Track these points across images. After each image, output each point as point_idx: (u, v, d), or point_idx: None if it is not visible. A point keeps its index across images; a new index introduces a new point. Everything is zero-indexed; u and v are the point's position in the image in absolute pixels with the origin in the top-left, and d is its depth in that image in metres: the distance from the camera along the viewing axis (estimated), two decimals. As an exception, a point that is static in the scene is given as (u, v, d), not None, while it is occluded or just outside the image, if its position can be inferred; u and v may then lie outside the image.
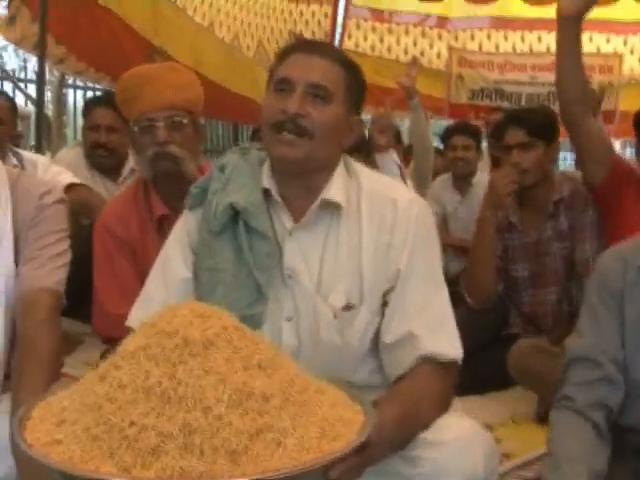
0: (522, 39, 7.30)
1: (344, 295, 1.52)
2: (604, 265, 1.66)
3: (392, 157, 3.68)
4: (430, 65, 7.36)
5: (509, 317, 2.92)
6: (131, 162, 3.51)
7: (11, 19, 4.65)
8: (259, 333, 1.27)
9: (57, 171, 3.17)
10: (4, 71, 7.88)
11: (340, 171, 1.60)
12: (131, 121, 2.29)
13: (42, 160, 3.21)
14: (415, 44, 7.46)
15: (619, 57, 7.13)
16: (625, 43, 7.18)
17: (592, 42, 6.90)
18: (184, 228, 1.67)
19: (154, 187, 2.29)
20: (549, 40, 6.79)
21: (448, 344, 1.49)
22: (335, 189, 1.56)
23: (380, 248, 1.53)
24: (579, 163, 2.78)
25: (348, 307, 1.52)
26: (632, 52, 7.21)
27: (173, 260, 1.65)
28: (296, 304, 1.55)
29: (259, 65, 6.04)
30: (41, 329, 1.68)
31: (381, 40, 7.49)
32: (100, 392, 1.08)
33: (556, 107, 6.91)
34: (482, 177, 4.23)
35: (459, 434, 1.40)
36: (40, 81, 4.51)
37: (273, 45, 6.51)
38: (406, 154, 4.46)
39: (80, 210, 3.11)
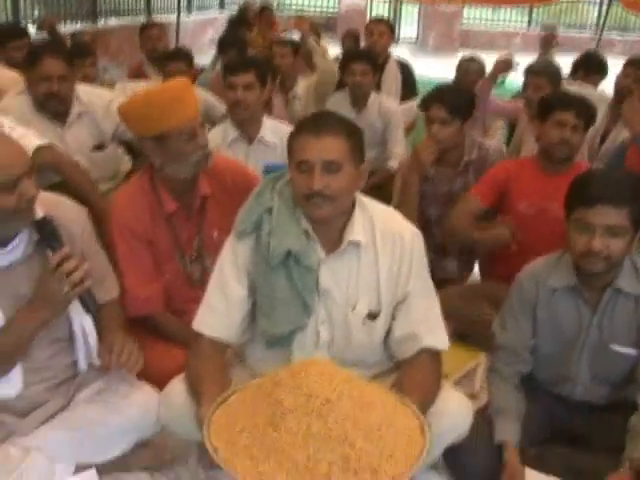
0: None
1: (367, 307, 2.18)
2: (522, 282, 2.42)
3: None
4: None
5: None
6: (77, 107, 3.73)
7: None
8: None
9: (22, 134, 3.24)
10: None
11: (357, 212, 2.17)
12: (156, 134, 2.54)
13: (6, 122, 3.27)
14: None
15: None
16: None
17: None
18: (237, 254, 2.20)
19: (164, 185, 2.64)
20: None
21: (440, 339, 2.20)
22: (356, 230, 2.15)
23: (392, 273, 2.17)
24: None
25: (371, 315, 2.18)
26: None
27: (230, 280, 2.19)
28: (328, 311, 2.18)
29: None
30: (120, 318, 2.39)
31: None
32: (276, 436, 1.69)
33: None
34: (376, 98, 4.88)
35: (453, 405, 2.14)
36: None
37: None
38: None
39: (49, 169, 3.38)
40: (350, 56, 4.88)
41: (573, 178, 2.33)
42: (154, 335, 2.63)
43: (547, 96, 3.45)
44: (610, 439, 2.26)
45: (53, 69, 3.56)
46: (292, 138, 2.11)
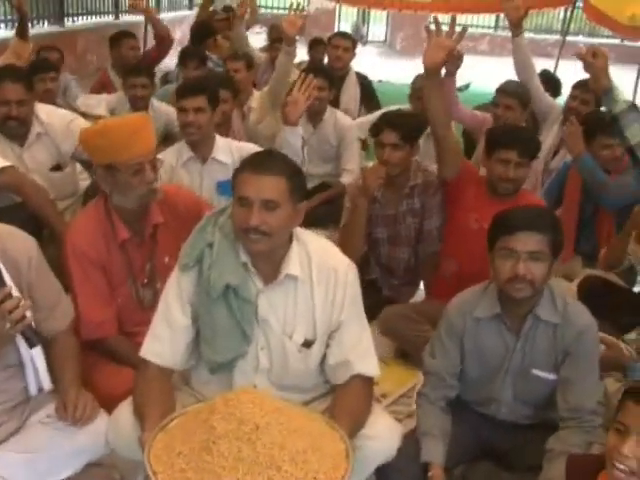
0: None
1: (303, 335, 2.33)
2: (450, 313, 2.59)
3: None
4: None
5: (369, 266, 3.82)
6: (37, 127, 3.86)
7: None
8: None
9: None
10: None
11: (295, 246, 2.31)
12: (109, 163, 2.68)
13: None
14: None
15: None
16: None
17: None
18: (180, 286, 2.33)
19: (116, 213, 2.77)
20: None
21: (371, 366, 2.35)
22: (293, 264, 2.29)
23: (327, 304, 2.32)
24: (437, 162, 3.56)
25: (307, 343, 2.33)
26: None
27: (174, 311, 2.32)
28: (267, 339, 2.32)
29: None
30: (73, 359, 2.46)
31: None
32: (209, 460, 1.84)
33: None
34: (332, 113, 5.02)
35: (382, 428, 2.29)
36: None
37: None
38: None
39: (10, 190, 3.53)
40: (309, 71, 4.98)
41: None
42: (105, 356, 2.76)
43: (493, 131, 3.59)
44: (533, 458, 2.43)
45: (12, 94, 3.71)
46: (236, 173, 2.25)
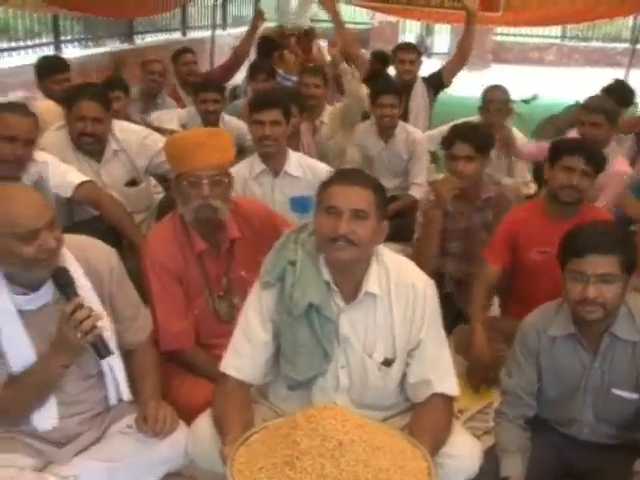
0: None
1: (382, 354, 2.32)
2: (524, 332, 2.53)
3: None
4: None
5: (443, 280, 3.78)
6: (113, 144, 3.96)
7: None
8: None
9: (65, 170, 3.55)
10: None
11: (374, 263, 2.31)
12: (177, 173, 2.80)
13: (50, 159, 3.52)
14: None
15: None
16: None
17: None
18: (261, 303, 2.35)
19: (192, 226, 2.81)
20: None
21: (452, 385, 2.34)
22: (372, 282, 2.29)
23: (406, 321, 2.31)
24: None
25: (386, 362, 2.32)
26: None
27: (255, 327, 2.34)
28: (347, 358, 2.32)
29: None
30: (153, 371, 2.51)
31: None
32: (292, 475, 1.84)
33: None
34: (402, 127, 5.04)
35: (463, 447, 2.27)
36: None
37: None
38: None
39: (89, 205, 3.64)
40: (379, 88, 5.02)
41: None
42: (183, 368, 2.79)
43: (557, 141, 3.52)
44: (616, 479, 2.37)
45: (89, 111, 3.81)
46: (323, 186, 2.27)
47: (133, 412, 2.42)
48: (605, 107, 4.38)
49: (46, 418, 2.30)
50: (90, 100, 3.81)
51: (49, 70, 5.02)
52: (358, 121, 5.24)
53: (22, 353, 2.24)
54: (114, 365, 2.35)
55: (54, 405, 2.30)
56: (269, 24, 14.75)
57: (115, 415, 2.43)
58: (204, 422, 2.31)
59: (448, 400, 2.33)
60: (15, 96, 6.54)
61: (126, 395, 2.39)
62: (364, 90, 5.98)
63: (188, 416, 2.42)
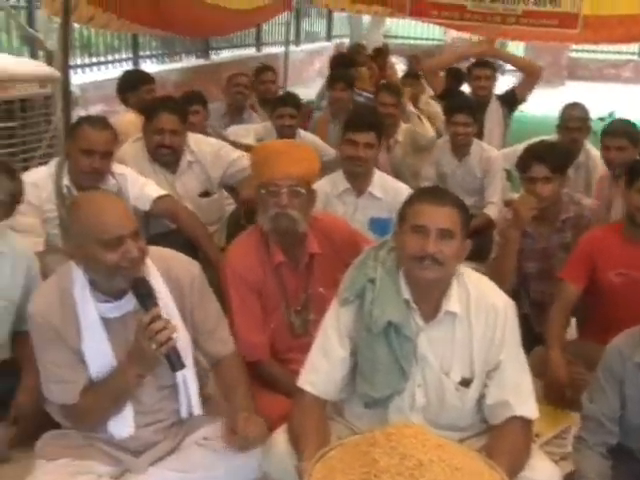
0: None
1: (460, 374, 2.29)
2: (608, 357, 2.45)
3: None
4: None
5: (520, 301, 3.71)
6: (188, 156, 4.03)
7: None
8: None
9: (143, 183, 3.63)
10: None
11: (454, 282, 2.29)
12: (258, 182, 2.83)
13: (128, 172, 3.62)
14: None
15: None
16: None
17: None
18: (340, 319, 2.34)
19: (272, 238, 2.83)
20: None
21: (531, 408, 2.28)
22: (453, 301, 2.27)
23: (485, 341, 2.28)
24: None
25: (464, 382, 2.29)
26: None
27: (333, 343, 2.34)
28: (424, 377, 2.29)
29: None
30: (242, 383, 2.50)
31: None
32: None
33: (519, 7, 7.18)
34: (477, 145, 4.99)
35: (542, 473, 2.21)
36: (65, 53, 4.46)
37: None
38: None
39: (167, 218, 3.71)
40: (454, 106, 4.99)
41: None
42: (259, 381, 2.79)
43: (633, 162, 3.42)
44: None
45: (167, 124, 3.90)
46: (409, 204, 2.27)
47: (209, 423, 2.44)
48: (627, 130, 4.33)
49: (123, 426, 2.33)
50: (169, 113, 3.89)
51: (135, 82, 5.20)
52: (430, 147, 5.23)
53: (102, 360, 2.28)
54: (187, 379, 2.36)
55: (131, 414, 2.33)
56: (342, 40, 14.95)
57: (191, 426, 2.45)
58: (280, 437, 2.31)
59: (527, 423, 2.27)
60: (95, 110, 6.75)
61: (197, 410, 2.40)
62: (437, 107, 5.97)
63: (264, 430, 2.42)
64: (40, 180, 3.40)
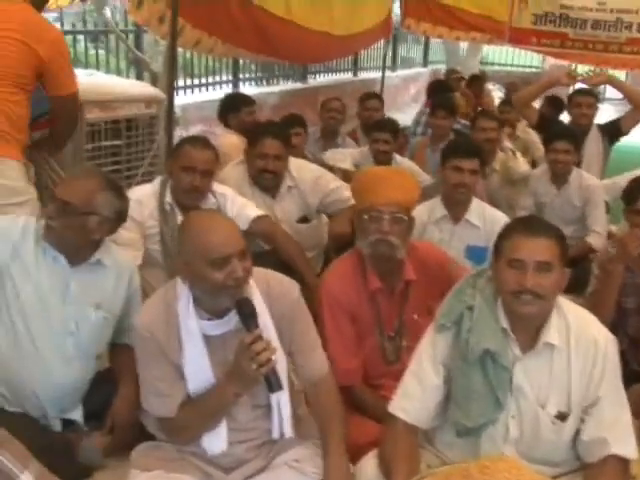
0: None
1: (556, 407, 2.24)
2: None
3: None
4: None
5: (617, 337, 3.59)
6: (288, 181, 4.08)
7: (139, 1, 4.61)
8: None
9: (243, 203, 3.69)
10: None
11: (554, 313, 2.25)
12: (360, 207, 2.87)
13: (229, 192, 3.69)
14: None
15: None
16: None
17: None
18: (435, 346, 2.33)
19: (370, 263, 2.85)
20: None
21: (630, 448, 2.21)
22: (552, 332, 2.23)
23: (585, 376, 2.23)
24: None
25: (560, 416, 2.24)
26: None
27: (427, 370, 2.33)
28: (519, 408, 2.25)
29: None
30: (337, 406, 2.47)
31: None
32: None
33: (623, 34, 7.11)
34: (577, 173, 4.88)
35: None
36: (171, 75, 4.56)
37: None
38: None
39: (263, 239, 3.76)
40: (554, 134, 4.92)
41: None
42: (350, 407, 2.79)
43: None
44: None
45: (271, 149, 3.95)
46: (504, 236, 2.25)
47: (301, 445, 2.45)
48: None
49: (216, 442, 2.37)
50: (273, 138, 3.95)
51: (237, 104, 5.35)
52: (524, 181, 5.16)
53: (201, 376, 2.33)
54: (281, 401, 2.38)
55: (224, 430, 2.36)
56: (438, 67, 14.92)
57: (282, 446, 2.46)
58: (370, 463, 2.31)
59: (624, 463, 2.21)
60: (195, 130, 6.92)
61: (289, 432, 2.40)
62: (534, 137, 5.88)
63: (353, 455, 2.42)
64: (144, 197, 3.51)
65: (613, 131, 5.95)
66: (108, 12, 6.43)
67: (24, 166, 3.36)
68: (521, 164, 5.46)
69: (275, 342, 2.32)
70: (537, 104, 6.46)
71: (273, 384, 2.23)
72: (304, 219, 4.18)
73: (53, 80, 3.36)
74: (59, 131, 3.59)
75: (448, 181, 3.76)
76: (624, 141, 6.25)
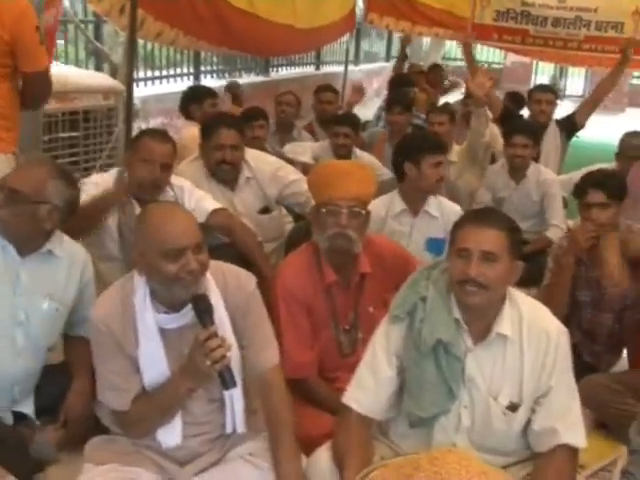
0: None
1: (508, 398, 2.27)
2: None
3: None
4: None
5: (569, 329, 3.65)
6: (246, 172, 4.06)
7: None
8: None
9: (201, 196, 3.66)
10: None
11: (507, 305, 2.28)
12: (317, 201, 2.87)
13: (187, 185, 3.66)
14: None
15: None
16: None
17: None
18: (389, 337, 2.35)
19: (325, 256, 2.86)
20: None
21: (579, 437, 2.25)
22: (505, 323, 2.25)
23: (536, 367, 2.25)
24: None
25: (512, 407, 2.27)
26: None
27: (380, 362, 2.34)
28: (471, 398, 2.28)
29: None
30: (284, 404, 2.42)
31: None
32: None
33: (581, 32, 7.17)
34: (534, 168, 4.95)
35: None
36: (130, 66, 4.56)
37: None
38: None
39: (221, 231, 3.72)
40: (513, 128, 4.98)
41: None
42: (303, 399, 2.80)
43: None
44: None
45: (227, 139, 3.93)
46: (456, 227, 2.28)
47: (254, 438, 2.44)
48: None
49: (171, 435, 2.36)
50: (228, 128, 3.93)
51: (200, 95, 5.34)
52: (486, 160, 5.19)
53: (156, 369, 2.31)
54: (234, 396, 2.37)
55: (179, 424, 2.35)
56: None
57: (236, 439, 2.45)
58: (323, 455, 2.32)
59: (573, 452, 2.25)
60: (155, 122, 6.87)
61: (241, 427, 2.39)
62: (495, 130, 5.94)
63: (307, 447, 2.42)
64: (102, 180, 3.48)
65: (569, 126, 6.05)
66: (67, 1, 6.35)
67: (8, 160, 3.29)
68: (493, 127, 5.55)
69: (230, 338, 2.31)
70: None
71: (227, 381, 2.22)
72: (265, 210, 4.17)
73: (22, 57, 3.27)
74: (27, 107, 3.52)
75: (430, 178, 3.75)
76: (581, 137, 6.34)
